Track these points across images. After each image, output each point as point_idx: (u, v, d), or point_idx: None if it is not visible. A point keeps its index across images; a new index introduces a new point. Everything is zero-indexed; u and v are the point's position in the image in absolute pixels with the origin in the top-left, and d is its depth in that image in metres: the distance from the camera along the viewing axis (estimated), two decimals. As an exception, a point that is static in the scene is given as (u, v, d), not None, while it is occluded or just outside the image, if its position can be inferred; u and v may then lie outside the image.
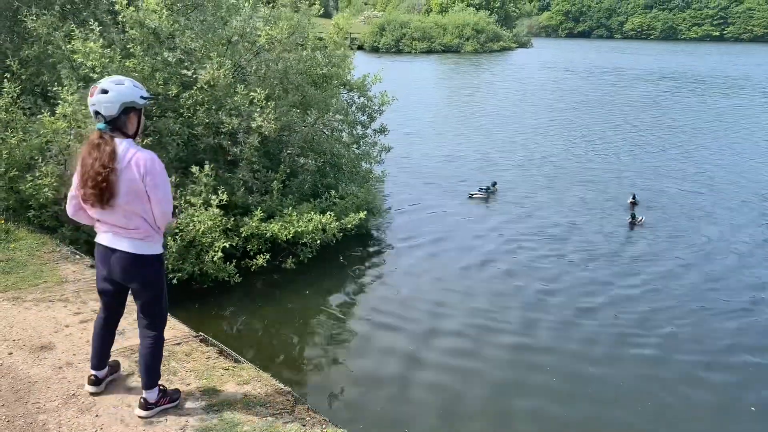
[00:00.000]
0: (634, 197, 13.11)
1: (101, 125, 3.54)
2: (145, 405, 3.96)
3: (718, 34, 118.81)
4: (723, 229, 11.81)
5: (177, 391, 4.22)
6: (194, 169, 8.07)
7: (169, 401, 4.08)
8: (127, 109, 3.55)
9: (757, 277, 9.56)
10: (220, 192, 7.94)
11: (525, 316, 8.18)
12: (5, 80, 8.42)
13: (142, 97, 3.62)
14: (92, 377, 4.18)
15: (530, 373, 6.84)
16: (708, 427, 6.08)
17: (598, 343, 7.53)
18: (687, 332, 7.81)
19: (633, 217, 11.84)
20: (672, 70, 49.85)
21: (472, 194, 13.61)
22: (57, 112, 7.89)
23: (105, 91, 3.50)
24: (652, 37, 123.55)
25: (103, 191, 3.48)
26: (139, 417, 3.95)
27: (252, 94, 8.59)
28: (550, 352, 7.29)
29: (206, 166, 8.11)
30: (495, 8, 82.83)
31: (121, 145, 3.54)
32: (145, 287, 3.81)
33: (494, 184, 13.91)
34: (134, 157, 3.52)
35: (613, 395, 6.46)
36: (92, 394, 4.18)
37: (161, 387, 4.08)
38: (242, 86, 8.77)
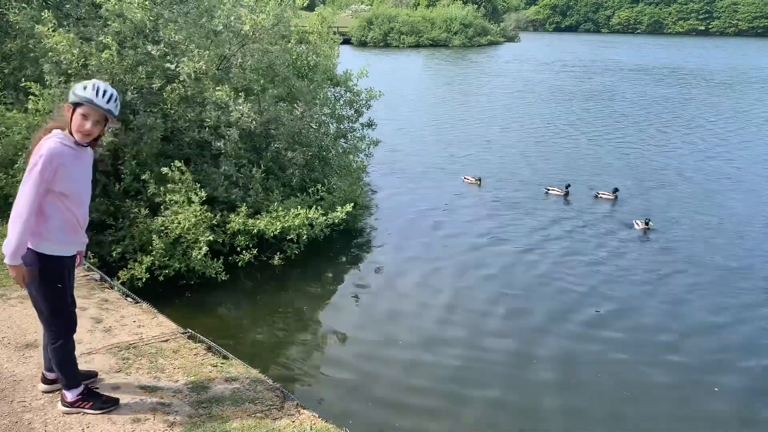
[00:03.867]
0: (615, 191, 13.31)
1: None
2: (62, 400, 3.92)
3: (703, 28, 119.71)
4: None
5: (113, 400, 3.99)
6: (165, 170, 8.02)
7: (91, 407, 3.89)
8: (70, 103, 3.61)
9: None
10: (198, 189, 7.93)
11: (516, 312, 8.21)
12: (-14, 74, 8.30)
13: (74, 93, 3.56)
14: (42, 376, 4.14)
15: (523, 371, 6.86)
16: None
17: (587, 342, 7.59)
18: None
19: (647, 223, 11.35)
20: (637, 64, 50.23)
21: (549, 189, 13.61)
22: (29, 107, 7.79)
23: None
24: (638, 31, 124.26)
25: None
26: (60, 410, 3.91)
27: (218, 92, 8.48)
28: (539, 350, 7.32)
29: (176, 162, 8.08)
30: (482, 2, 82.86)
31: (48, 134, 3.57)
32: (28, 282, 3.58)
33: (568, 186, 13.57)
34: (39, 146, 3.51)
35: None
36: (43, 392, 4.10)
37: (90, 389, 3.98)
38: (212, 83, 8.69)
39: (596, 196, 13.39)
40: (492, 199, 13.21)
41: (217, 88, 8.55)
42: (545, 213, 12.32)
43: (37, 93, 7.75)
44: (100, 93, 3.57)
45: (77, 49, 7.98)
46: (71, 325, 3.81)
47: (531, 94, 30.34)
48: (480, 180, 14.21)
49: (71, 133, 3.59)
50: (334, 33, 12.46)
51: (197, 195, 7.90)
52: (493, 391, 6.40)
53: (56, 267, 3.61)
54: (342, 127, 12.03)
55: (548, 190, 13.66)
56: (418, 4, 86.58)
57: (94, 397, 3.96)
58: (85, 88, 3.56)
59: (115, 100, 3.66)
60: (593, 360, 7.07)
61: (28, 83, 7.86)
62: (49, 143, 3.46)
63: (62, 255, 3.63)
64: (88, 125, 3.57)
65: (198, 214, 7.78)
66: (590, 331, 7.74)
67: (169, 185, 8.04)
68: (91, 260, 7.16)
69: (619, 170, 15.80)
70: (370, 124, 12.33)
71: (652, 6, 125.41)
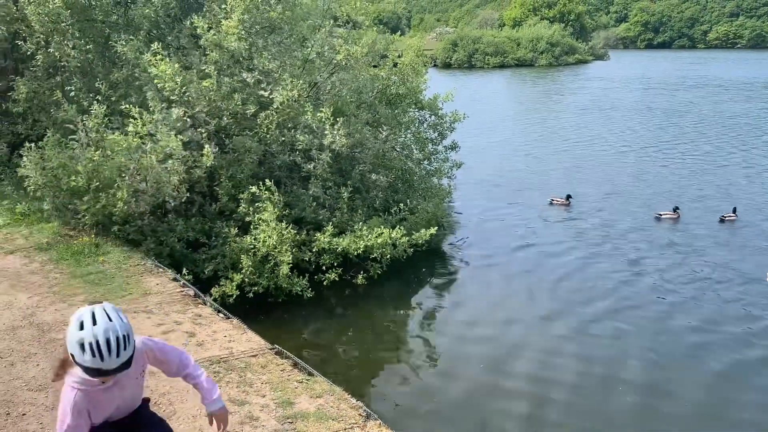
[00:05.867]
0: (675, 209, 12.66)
1: None
2: None
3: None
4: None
5: None
6: (254, 188, 8.34)
7: None
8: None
9: None
10: (282, 207, 8.24)
11: (601, 335, 7.94)
12: (95, 102, 8.92)
13: (73, 355, 2.34)
14: None
15: (613, 399, 6.62)
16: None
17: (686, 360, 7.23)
18: None
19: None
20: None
21: (661, 214, 12.74)
22: (128, 130, 8.31)
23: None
24: (738, 46, 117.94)
25: None
26: None
27: (319, 114, 8.80)
28: (630, 376, 7.05)
29: (267, 182, 8.40)
30: (570, 21, 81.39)
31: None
32: None
33: (676, 208, 12.75)
34: None
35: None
36: None
37: None
38: (310, 105, 9.01)
39: (722, 220, 12.37)
40: (586, 221, 12.76)
41: (321, 110, 8.89)
42: (658, 241, 11.48)
43: (136, 116, 8.27)
44: (104, 352, 2.30)
45: (180, 78, 8.50)
46: None
47: (616, 112, 29.47)
48: (569, 200, 13.79)
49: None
50: (425, 64, 12.41)
51: (278, 210, 8.18)
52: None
53: None
54: (426, 149, 12.12)
55: (660, 215, 12.74)
56: (504, 25, 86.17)
57: None
58: (83, 348, 2.29)
59: (125, 341, 2.35)
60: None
61: (128, 106, 8.42)
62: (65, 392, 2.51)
63: None
64: (108, 383, 2.54)
65: (281, 232, 8.04)
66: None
67: (257, 204, 8.37)
68: (186, 277, 7.52)
69: (718, 190, 15.00)
70: (453, 147, 12.35)
71: (753, 19, 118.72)
